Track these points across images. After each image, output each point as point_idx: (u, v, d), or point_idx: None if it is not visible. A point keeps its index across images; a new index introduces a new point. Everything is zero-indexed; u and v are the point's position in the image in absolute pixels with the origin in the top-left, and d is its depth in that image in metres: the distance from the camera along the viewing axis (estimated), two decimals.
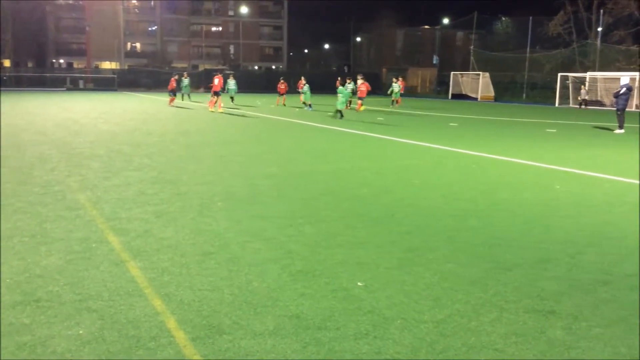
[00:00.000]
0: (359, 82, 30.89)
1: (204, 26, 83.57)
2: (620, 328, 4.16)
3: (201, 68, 73.79)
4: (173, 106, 31.62)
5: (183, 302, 4.47)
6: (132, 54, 79.56)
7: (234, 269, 5.26)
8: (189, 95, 38.86)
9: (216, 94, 28.38)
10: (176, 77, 34.19)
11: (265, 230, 6.59)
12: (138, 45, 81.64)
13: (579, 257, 5.84)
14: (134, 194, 8.47)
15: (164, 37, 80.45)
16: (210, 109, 28.62)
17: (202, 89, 57.59)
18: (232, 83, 35.48)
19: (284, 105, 35.06)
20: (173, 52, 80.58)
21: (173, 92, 33.29)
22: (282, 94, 36.76)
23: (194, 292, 4.68)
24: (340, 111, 25.07)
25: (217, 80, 28.82)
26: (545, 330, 4.11)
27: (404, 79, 54.93)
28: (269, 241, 6.14)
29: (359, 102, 30.22)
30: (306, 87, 32.28)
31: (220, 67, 73.48)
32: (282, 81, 37.57)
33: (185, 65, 76.53)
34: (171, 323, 4.09)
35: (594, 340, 3.96)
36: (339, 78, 29.36)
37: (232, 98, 35.61)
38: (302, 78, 34.50)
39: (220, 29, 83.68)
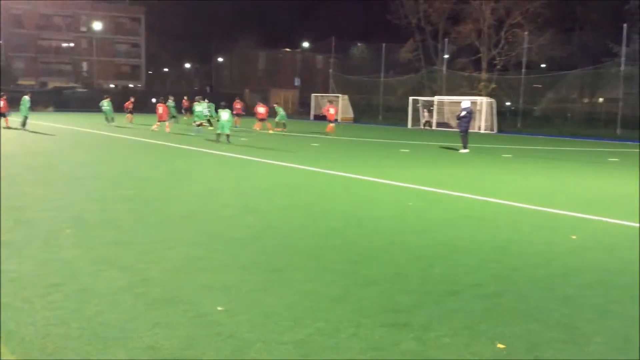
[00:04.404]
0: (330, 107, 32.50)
1: (53, 42, 78.59)
2: (465, 336, 4.44)
3: (51, 85, 69.20)
4: (10, 127, 27.43)
5: (24, 340, 4.08)
6: None
7: (83, 300, 4.91)
8: (112, 118, 33.60)
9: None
10: (5, 96, 28.76)
11: (121, 257, 6.25)
12: None
13: (430, 270, 6.19)
14: None
15: (8, 52, 74.40)
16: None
17: (51, 109, 54.18)
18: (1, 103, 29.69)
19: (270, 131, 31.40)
20: (19, 69, 74.67)
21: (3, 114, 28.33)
22: (262, 119, 32.68)
23: (36, 328, 4.29)
24: (220, 134, 22.71)
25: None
26: (399, 342, 4.28)
27: (266, 99, 55.50)
28: (124, 269, 5.82)
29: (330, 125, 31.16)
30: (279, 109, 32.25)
31: (71, 84, 69.50)
32: (260, 104, 33.87)
33: (32, 82, 71.30)
34: None
35: (441, 349, 4.19)
36: (131, 99, 27.05)
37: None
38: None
39: (72, 45, 79.16)
